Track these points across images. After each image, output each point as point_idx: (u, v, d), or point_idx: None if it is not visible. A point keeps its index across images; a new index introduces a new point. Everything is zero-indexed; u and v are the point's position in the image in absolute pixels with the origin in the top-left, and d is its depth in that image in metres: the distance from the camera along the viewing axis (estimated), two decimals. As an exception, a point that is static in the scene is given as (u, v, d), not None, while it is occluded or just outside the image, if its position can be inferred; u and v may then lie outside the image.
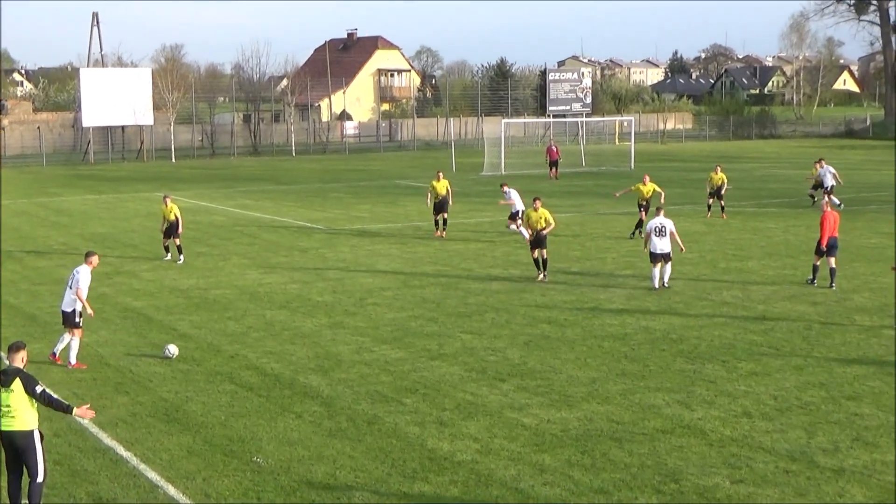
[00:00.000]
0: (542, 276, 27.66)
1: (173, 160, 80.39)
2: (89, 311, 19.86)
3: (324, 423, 16.02)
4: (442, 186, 36.37)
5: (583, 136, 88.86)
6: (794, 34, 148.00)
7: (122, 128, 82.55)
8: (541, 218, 27.70)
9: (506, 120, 78.32)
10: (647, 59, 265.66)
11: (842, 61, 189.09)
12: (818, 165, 44.65)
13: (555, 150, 62.40)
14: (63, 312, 19.66)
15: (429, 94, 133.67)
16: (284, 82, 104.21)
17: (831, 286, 26.41)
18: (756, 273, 28.74)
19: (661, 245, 26.08)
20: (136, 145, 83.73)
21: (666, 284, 26.53)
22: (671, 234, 26.21)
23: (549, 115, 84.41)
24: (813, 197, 44.23)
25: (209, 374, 18.82)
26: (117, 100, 77.71)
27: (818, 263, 26.91)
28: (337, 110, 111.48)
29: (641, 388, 17.72)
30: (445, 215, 36.49)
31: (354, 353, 20.25)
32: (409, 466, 14.21)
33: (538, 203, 27.99)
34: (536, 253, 27.83)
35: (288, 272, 29.40)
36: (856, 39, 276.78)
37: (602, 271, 28.93)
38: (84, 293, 19.44)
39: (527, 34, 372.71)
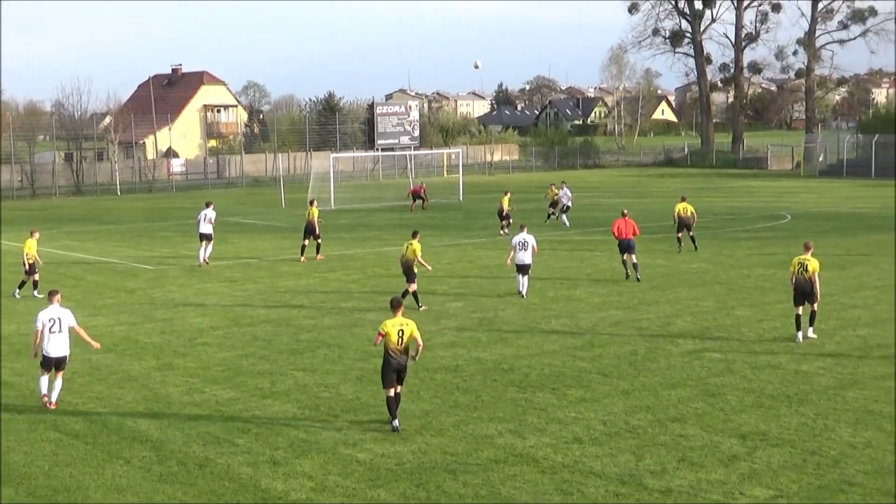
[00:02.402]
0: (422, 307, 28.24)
1: (-8, 201, 77.83)
2: (95, 344, 20.11)
3: (154, 468, 15.67)
4: (312, 213, 38.85)
5: (412, 169, 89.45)
6: (613, 66, 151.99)
7: (-64, 169, 79.50)
8: (413, 250, 28.29)
9: (334, 154, 78.26)
10: (474, 91, 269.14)
11: (660, 91, 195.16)
12: (554, 188, 51.73)
13: (420, 189, 63.82)
14: (58, 359, 18.97)
15: (256, 130, 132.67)
16: (107, 119, 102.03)
17: (637, 279, 32.03)
18: (583, 300, 29.34)
19: (524, 257, 29.74)
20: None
21: (524, 295, 29.67)
22: (532, 248, 29.88)
23: (377, 149, 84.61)
24: (550, 215, 51.44)
25: (32, 423, 18.20)
26: (-70, 140, 74.82)
27: (624, 259, 32.70)
28: (163, 147, 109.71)
29: (474, 419, 17.87)
30: (318, 241, 39.04)
31: (185, 395, 19.90)
32: (242, 508, 14.00)
33: (418, 236, 29.23)
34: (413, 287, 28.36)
35: (114, 314, 28.74)
36: (672, 70, 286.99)
37: (433, 305, 29.08)
38: (75, 324, 19.23)
39: (354, 67, 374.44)
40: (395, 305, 17.67)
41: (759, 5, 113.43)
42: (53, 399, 19.01)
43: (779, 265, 35.13)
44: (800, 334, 23.62)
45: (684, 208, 39.77)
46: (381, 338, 17.27)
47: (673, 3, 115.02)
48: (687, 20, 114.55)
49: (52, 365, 18.99)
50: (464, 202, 67.32)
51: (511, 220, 46.53)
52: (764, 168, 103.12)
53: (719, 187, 76.80)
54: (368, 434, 17.12)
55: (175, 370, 21.94)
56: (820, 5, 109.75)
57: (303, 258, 38.88)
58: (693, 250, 39.59)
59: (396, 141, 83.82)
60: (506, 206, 47.09)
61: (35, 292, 31.79)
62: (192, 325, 26.80)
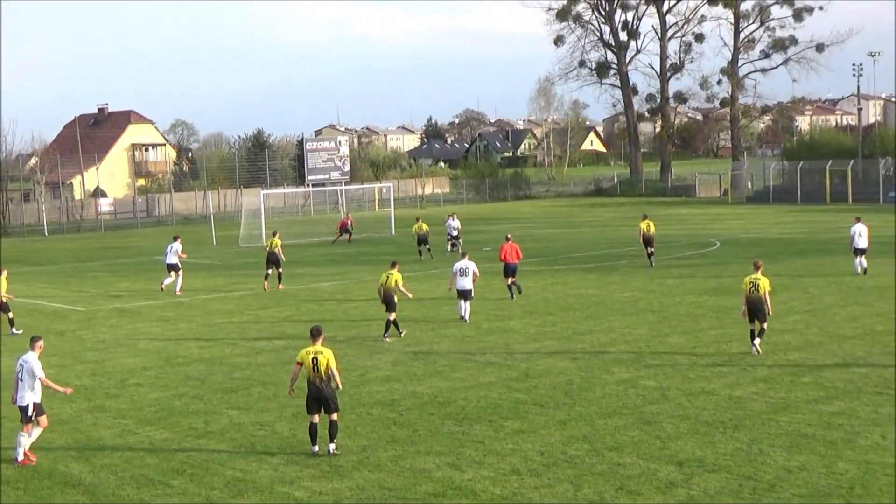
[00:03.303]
0: (386, 337, 28.59)
1: (-85, 245, 76.46)
2: (64, 390, 18.95)
3: (87, 513, 15.40)
4: (273, 244, 40.97)
5: (343, 204, 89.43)
6: (541, 98, 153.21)
7: None
8: (395, 280, 28.87)
9: (265, 191, 78.04)
10: (403, 125, 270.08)
11: (588, 123, 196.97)
12: (451, 217, 54.59)
13: (347, 220, 65.79)
14: (21, 407, 18.07)
15: (185, 168, 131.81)
16: (33, 160, 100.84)
17: (512, 297, 34.95)
18: (518, 332, 29.39)
19: (464, 283, 30.88)
20: None
21: (467, 320, 30.87)
22: (473, 273, 30.87)
23: (308, 185, 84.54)
24: (452, 244, 53.25)
25: (-39, 470, 17.83)
26: None
27: (508, 283, 35.36)
28: (90, 187, 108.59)
29: (412, 453, 17.79)
30: (280, 270, 40.58)
31: (118, 437, 19.61)
32: (178, 551, 13.79)
33: (396, 266, 29.59)
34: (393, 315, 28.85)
35: (44, 357, 27.81)
36: (599, 101, 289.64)
37: (367, 339, 28.99)
38: (41, 375, 18.14)
39: (283, 104, 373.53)
40: (314, 334, 18.08)
41: (683, 36, 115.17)
42: (26, 448, 18.16)
43: (710, 292, 35.53)
44: (755, 345, 24.94)
45: (647, 226, 43.29)
46: (299, 367, 17.88)
47: (598, 35, 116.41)
48: (612, 52, 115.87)
49: (22, 415, 18.22)
50: (396, 236, 67.29)
51: (429, 245, 51.07)
52: (692, 196, 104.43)
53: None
54: (306, 471, 16.98)
55: (107, 412, 21.63)
56: (742, 35, 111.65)
57: (266, 286, 40.24)
58: (648, 267, 42.98)
59: (327, 176, 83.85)
60: (425, 230, 50.95)
61: (13, 329, 32.16)
62: (124, 366, 26.45)
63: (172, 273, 40.54)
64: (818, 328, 28.30)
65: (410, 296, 30.55)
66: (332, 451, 17.62)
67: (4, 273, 32.98)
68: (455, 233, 53.52)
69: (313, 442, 17.74)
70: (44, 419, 18.40)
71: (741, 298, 25.31)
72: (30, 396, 18.15)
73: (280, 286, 40.51)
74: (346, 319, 32.68)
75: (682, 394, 21.37)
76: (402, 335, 28.70)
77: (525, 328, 29.94)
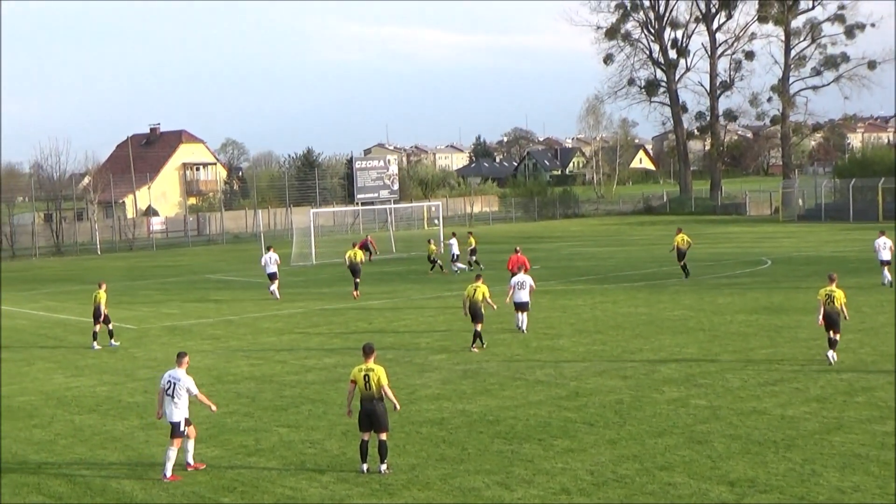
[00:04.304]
0: (474, 347, 29.76)
1: (-29, 264, 77.46)
2: (213, 407, 19.50)
3: (139, 530, 15.50)
4: (356, 255, 45.04)
5: (392, 222, 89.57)
6: (590, 116, 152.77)
7: (-85, 233, 79.23)
8: (482, 292, 30.05)
9: (314, 209, 78.39)
10: (452, 144, 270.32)
11: (637, 141, 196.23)
12: (472, 236, 56.52)
13: (367, 239, 65.09)
14: (174, 423, 18.21)
15: (236, 187, 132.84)
16: (87, 179, 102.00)
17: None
18: (567, 350, 29.32)
19: (522, 296, 32.20)
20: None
21: (525, 330, 32.12)
22: (530, 287, 32.33)
23: (357, 203, 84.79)
24: (472, 263, 54.45)
25: (15, 487, 18.01)
26: None
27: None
28: (142, 206, 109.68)
29: (461, 472, 17.77)
30: (357, 280, 44.42)
31: (169, 455, 19.73)
32: (229, 568, 13.85)
33: (480, 279, 30.78)
34: (479, 326, 29.96)
35: (97, 374, 28.57)
36: (648, 119, 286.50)
37: (416, 356, 29.03)
38: (196, 392, 18.43)
39: (332, 123, 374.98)
40: (366, 351, 18.16)
41: (733, 53, 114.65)
42: (189, 460, 18.40)
43: (761, 310, 35.27)
44: (830, 353, 25.76)
45: (682, 239, 45.38)
46: (353, 385, 17.94)
47: (647, 53, 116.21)
48: (662, 70, 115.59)
49: (174, 431, 18.26)
50: (444, 254, 67.25)
51: (438, 262, 54.48)
52: (742, 214, 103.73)
53: (699, 234, 76.93)
54: (355, 490, 17.01)
55: (159, 429, 21.71)
56: (793, 52, 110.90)
57: (356, 293, 43.78)
58: (683, 280, 44.67)
59: (376, 195, 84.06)
60: (432, 250, 55.09)
61: (112, 341, 33.37)
62: (175, 384, 26.59)
63: (275, 281, 44.56)
64: (871, 347, 28.00)
65: (496, 307, 31.11)
66: (383, 472, 17.65)
67: (104, 287, 33.92)
68: (454, 249, 54.93)
69: (363, 460, 17.80)
70: (192, 429, 18.56)
71: (819, 309, 26.12)
72: (179, 413, 18.23)
73: (355, 293, 43.70)
74: (394, 339, 32.74)
75: (734, 413, 21.20)
76: (484, 347, 29.64)
77: (574, 347, 29.86)
